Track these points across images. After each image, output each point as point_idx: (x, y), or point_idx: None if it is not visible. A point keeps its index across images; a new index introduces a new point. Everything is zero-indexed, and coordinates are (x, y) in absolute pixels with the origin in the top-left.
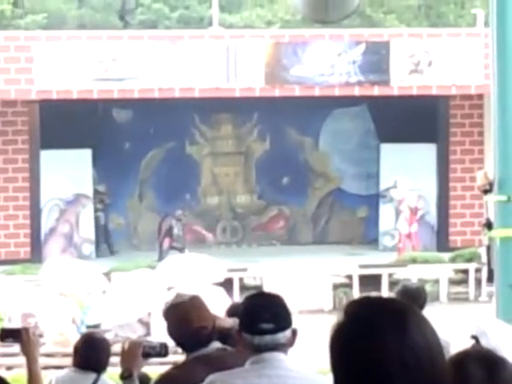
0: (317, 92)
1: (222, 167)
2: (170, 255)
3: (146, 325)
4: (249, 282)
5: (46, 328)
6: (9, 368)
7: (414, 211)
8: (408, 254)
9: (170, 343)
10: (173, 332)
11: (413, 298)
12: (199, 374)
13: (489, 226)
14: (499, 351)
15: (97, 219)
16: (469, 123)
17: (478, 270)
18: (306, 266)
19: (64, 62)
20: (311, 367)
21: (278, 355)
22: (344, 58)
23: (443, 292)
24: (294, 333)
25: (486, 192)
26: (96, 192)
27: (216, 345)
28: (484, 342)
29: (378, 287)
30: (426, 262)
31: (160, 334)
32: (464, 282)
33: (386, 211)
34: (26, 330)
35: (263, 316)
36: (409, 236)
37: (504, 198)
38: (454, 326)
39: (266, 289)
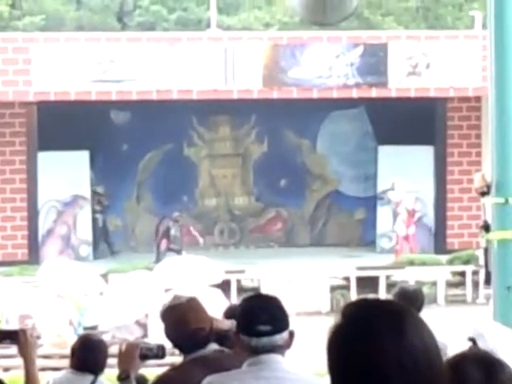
0: (315, 94)
1: (220, 169)
2: (167, 257)
3: (144, 326)
4: (246, 283)
5: (43, 329)
6: (6, 369)
7: (411, 213)
8: (405, 256)
9: (168, 345)
10: (170, 334)
11: (410, 300)
12: (196, 375)
13: (486, 228)
14: (497, 353)
15: (95, 221)
16: (466, 125)
17: (475, 273)
18: (304, 267)
19: (62, 63)
20: (308, 369)
21: (276, 357)
22: (342, 60)
23: (441, 294)
24: (292, 335)
25: (483, 194)
26: (94, 193)
27: (213, 346)
28: (481, 345)
29: (375, 289)
30: (423, 264)
31: (157, 335)
32: (461, 284)
33: (383, 213)
34: (23, 331)
35: (260, 318)
36: (406, 238)
37: (501, 200)
38: (451, 328)
39: (264, 291)
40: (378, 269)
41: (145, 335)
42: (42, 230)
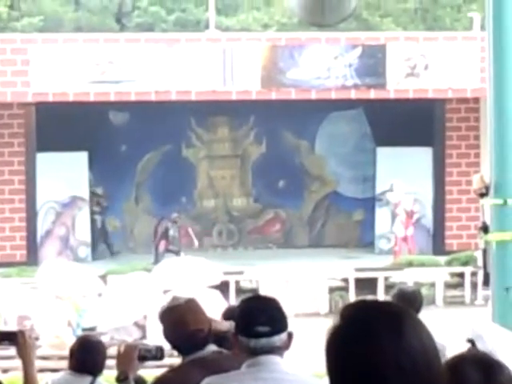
0: (313, 95)
1: (219, 170)
2: (165, 258)
3: (142, 328)
4: (245, 285)
5: (41, 331)
6: (5, 371)
7: (410, 214)
8: (404, 258)
9: (166, 346)
10: (169, 335)
11: (409, 301)
12: (195, 377)
13: (485, 229)
14: (495, 355)
15: (94, 222)
16: (465, 127)
17: (473, 274)
18: (302, 269)
19: (60, 64)
20: (307, 370)
21: (274, 358)
22: (340, 61)
23: (439, 295)
24: (290, 336)
25: (482, 195)
26: (94, 194)
27: (212, 348)
28: (480, 346)
29: (374, 290)
30: (422, 265)
31: (156, 336)
32: (460, 285)
33: (382, 214)
34: (22, 332)
35: (259, 319)
36: (405, 239)
37: (500, 201)
38: (450, 330)
39: (262, 292)
40: (377, 270)
41: (143, 336)
42: (40, 231)
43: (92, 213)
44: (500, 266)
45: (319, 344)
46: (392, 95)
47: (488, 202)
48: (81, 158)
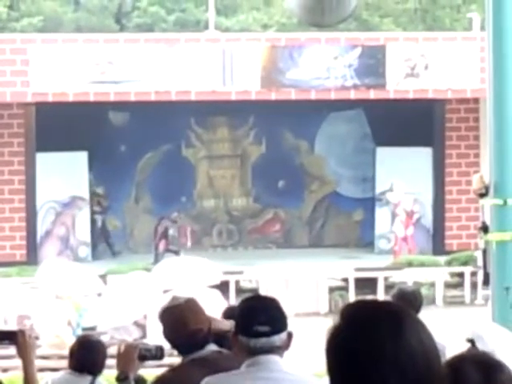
0: (313, 95)
1: (218, 170)
2: (165, 258)
3: (142, 327)
4: (245, 284)
5: (41, 330)
6: (5, 370)
7: (409, 214)
8: (404, 258)
9: (166, 346)
10: (168, 334)
11: (409, 301)
12: (195, 376)
13: (485, 229)
14: (495, 355)
15: (94, 221)
16: (465, 127)
17: (473, 274)
18: (302, 269)
19: (60, 64)
20: (307, 370)
21: (274, 358)
22: (340, 61)
23: (439, 295)
24: (290, 335)
25: (481, 195)
26: (94, 194)
27: (212, 347)
28: (480, 346)
29: (373, 290)
30: (421, 265)
31: (156, 336)
32: (460, 285)
33: (381, 214)
34: (22, 332)
35: (259, 319)
36: (405, 239)
37: (500, 201)
38: (449, 330)
39: (262, 292)
40: (377, 270)
41: (143, 336)
42: (40, 230)
43: (93, 213)
44: (500, 265)
45: (319, 344)
46: (392, 95)
47: (488, 202)
48: (81, 158)
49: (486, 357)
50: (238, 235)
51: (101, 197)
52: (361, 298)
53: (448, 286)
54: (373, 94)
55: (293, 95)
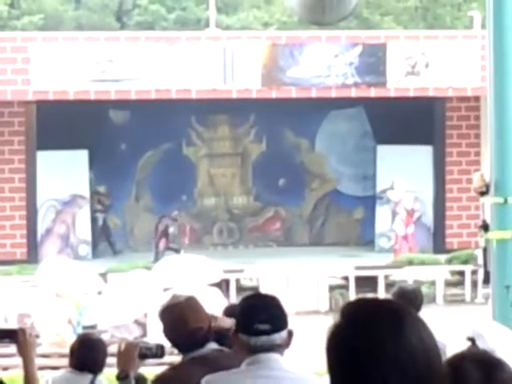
0: (313, 93)
1: (219, 168)
2: (166, 256)
3: (143, 326)
4: (245, 283)
5: (42, 328)
6: (5, 369)
7: (410, 213)
8: (404, 256)
9: (167, 344)
10: (169, 333)
11: (409, 299)
12: (195, 374)
13: (485, 227)
14: (496, 353)
15: (95, 220)
16: (465, 125)
17: (474, 272)
18: (303, 267)
19: (61, 62)
20: (308, 368)
21: (274, 356)
22: (341, 59)
23: (439, 294)
24: (290, 334)
25: (482, 194)
26: (96, 193)
27: (212, 346)
28: (481, 344)
29: (374, 289)
30: (422, 263)
31: (156, 334)
32: (460, 283)
33: (382, 213)
34: (22, 330)
35: (259, 317)
36: (405, 237)
37: (500, 199)
38: (450, 328)
39: (263, 290)
40: (377, 268)
41: (144, 334)
42: (40, 229)
43: (94, 211)
44: (500, 264)
45: (320, 342)
46: (392, 94)
47: (488, 201)
48: (81, 157)
49: (487, 355)
50: (239, 233)
51: (102, 195)
52: (361, 296)
53: (448, 284)
54: (373, 92)
55: (293, 93)
